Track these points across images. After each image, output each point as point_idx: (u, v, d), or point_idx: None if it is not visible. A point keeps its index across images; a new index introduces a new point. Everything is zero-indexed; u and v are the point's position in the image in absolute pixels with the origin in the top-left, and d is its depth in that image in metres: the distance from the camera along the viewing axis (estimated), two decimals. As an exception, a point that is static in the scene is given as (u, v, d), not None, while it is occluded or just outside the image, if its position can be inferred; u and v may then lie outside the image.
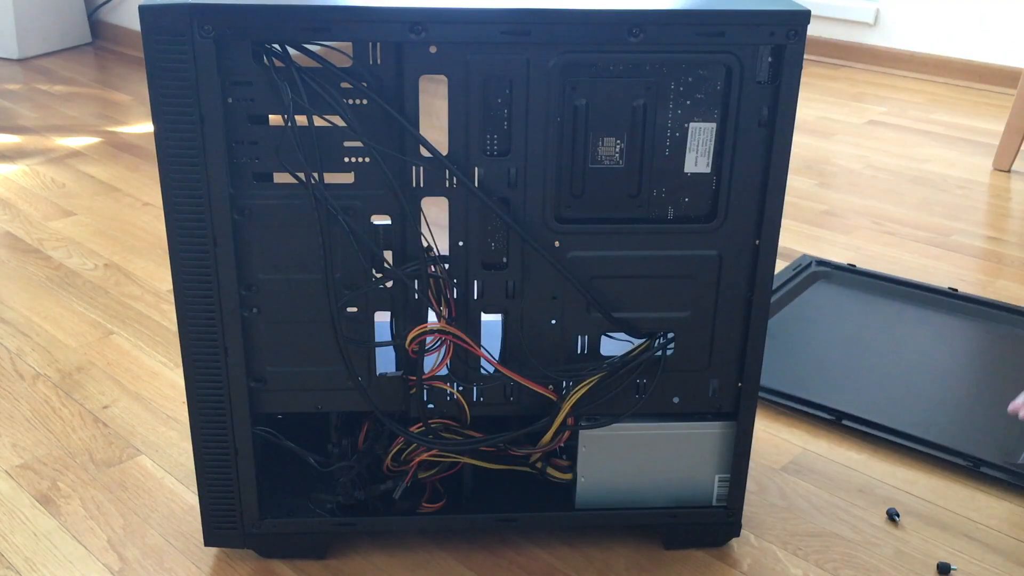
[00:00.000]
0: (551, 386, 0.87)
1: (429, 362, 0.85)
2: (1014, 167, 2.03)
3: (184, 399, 0.87)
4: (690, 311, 0.85)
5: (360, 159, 0.79)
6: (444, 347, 0.84)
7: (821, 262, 1.52)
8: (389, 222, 0.81)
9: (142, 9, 0.72)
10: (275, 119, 0.77)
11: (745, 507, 0.95)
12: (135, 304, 1.42)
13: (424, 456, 0.90)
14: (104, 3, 2.98)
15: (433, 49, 0.75)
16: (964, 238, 1.71)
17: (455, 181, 0.79)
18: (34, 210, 1.76)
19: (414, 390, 0.86)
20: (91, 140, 2.15)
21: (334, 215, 0.79)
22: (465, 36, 0.74)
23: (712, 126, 0.79)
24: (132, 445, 1.11)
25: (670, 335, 0.86)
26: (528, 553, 0.95)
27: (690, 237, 0.83)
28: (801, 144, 2.14)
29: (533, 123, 0.78)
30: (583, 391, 0.86)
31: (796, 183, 1.92)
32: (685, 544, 0.96)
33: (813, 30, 2.92)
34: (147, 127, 2.22)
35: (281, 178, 0.79)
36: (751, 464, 0.92)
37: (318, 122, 0.76)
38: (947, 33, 2.77)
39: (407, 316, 0.84)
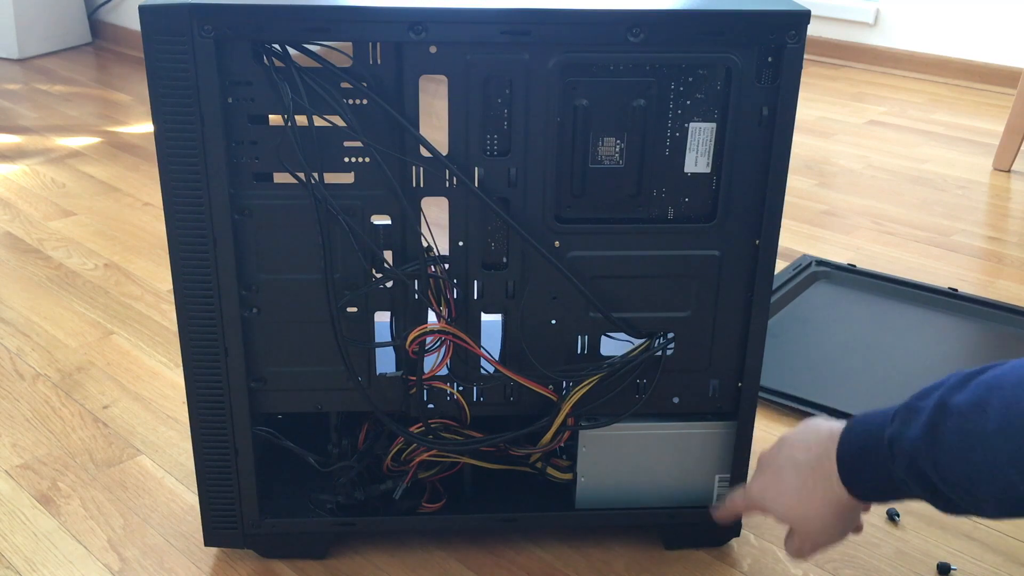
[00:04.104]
0: (551, 386, 0.87)
1: (429, 362, 0.85)
2: (1014, 167, 2.03)
3: (184, 399, 0.87)
4: (690, 311, 0.85)
5: (360, 159, 0.79)
6: (444, 347, 0.84)
7: (821, 262, 1.52)
8: (389, 222, 0.81)
9: (142, 9, 0.72)
10: (275, 119, 0.77)
11: (745, 507, 0.95)
12: (135, 304, 1.42)
13: (424, 456, 0.90)
14: (104, 3, 2.98)
15: (433, 49, 0.75)
16: (964, 238, 1.71)
17: (455, 181, 0.79)
18: (34, 210, 1.76)
19: (414, 390, 0.86)
20: (91, 140, 2.15)
21: (334, 215, 0.79)
22: (465, 36, 0.74)
23: (712, 126, 0.79)
24: (132, 445, 1.11)
25: (670, 335, 0.86)
26: (528, 553, 0.95)
27: (690, 237, 0.83)
28: (801, 144, 2.14)
29: (533, 123, 0.78)
30: (583, 391, 0.86)
31: (796, 183, 1.92)
32: (685, 544, 0.96)
33: (813, 30, 2.92)
34: (147, 127, 2.22)
35: (281, 178, 0.79)
36: (751, 464, 0.92)
37: (318, 122, 0.76)
38: (947, 33, 2.77)
39: (407, 316, 0.84)
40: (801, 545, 0.80)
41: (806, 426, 0.80)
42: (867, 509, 0.80)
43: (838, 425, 0.76)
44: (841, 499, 0.74)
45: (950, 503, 0.67)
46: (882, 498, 0.74)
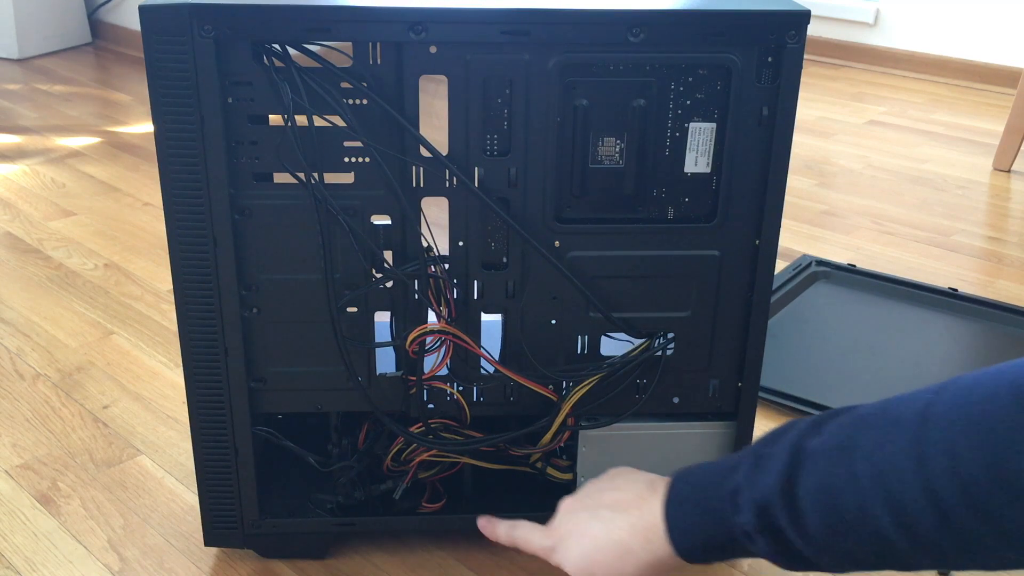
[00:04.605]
0: (551, 386, 0.87)
1: (429, 362, 0.85)
2: (1014, 167, 2.04)
3: (184, 399, 0.87)
4: (690, 311, 0.85)
5: (360, 159, 0.79)
6: (444, 347, 0.84)
7: (821, 262, 1.52)
8: (389, 222, 0.81)
9: (142, 9, 0.72)
10: (275, 119, 0.77)
11: (745, 507, 0.95)
12: (135, 304, 1.42)
13: (424, 456, 0.90)
14: (104, 3, 2.98)
15: (433, 49, 0.75)
16: (964, 238, 1.71)
17: (455, 181, 0.79)
18: (34, 210, 1.76)
19: (414, 390, 0.86)
20: (91, 140, 2.15)
21: (334, 215, 0.79)
22: (465, 36, 0.74)
23: (712, 126, 0.79)
24: (132, 445, 1.11)
25: (670, 335, 0.86)
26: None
27: (690, 237, 0.83)
28: (801, 144, 2.14)
29: (533, 123, 0.78)
30: (583, 391, 0.86)
31: (796, 183, 1.92)
32: (685, 544, 0.96)
33: (813, 30, 2.93)
34: (147, 127, 2.22)
35: (281, 178, 0.79)
36: (751, 464, 0.92)
37: (318, 122, 0.76)
38: (947, 33, 2.78)
39: (407, 316, 0.84)
40: None
41: (618, 475, 0.75)
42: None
43: (658, 478, 0.71)
44: (663, 559, 0.68)
45: (799, 558, 0.62)
46: (716, 556, 0.67)
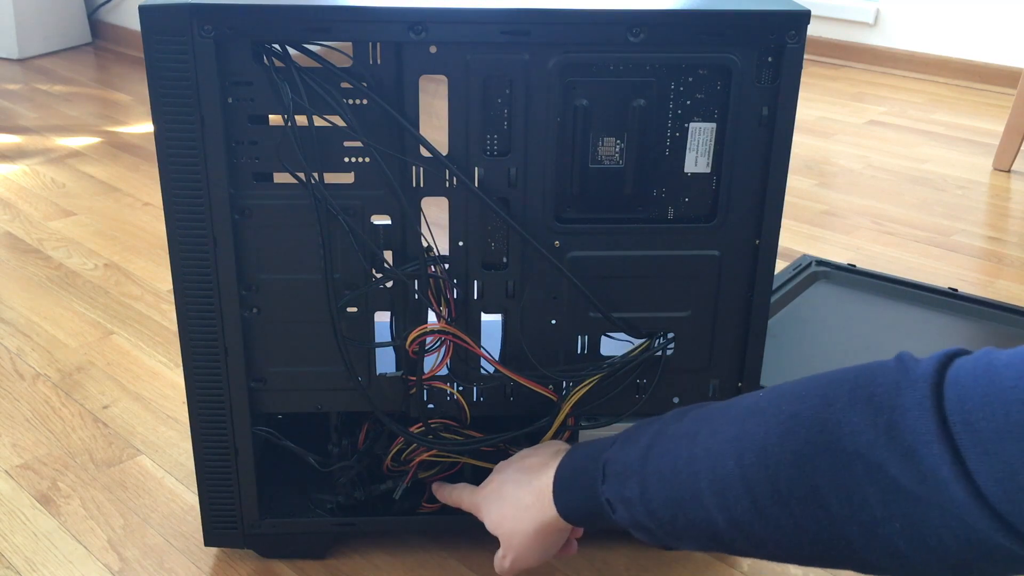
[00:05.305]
0: (551, 386, 0.87)
1: (429, 362, 0.85)
2: (1014, 167, 2.04)
3: (184, 399, 0.87)
4: (690, 311, 0.85)
5: (360, 159, 0.79)
6: (444, 347, 0.84)
7: (821, 262, 1.52)
8: (389, 222, 0.81)
9: (142, 9, 0.72)
10: (275, 119, 0.77)
11: (745, 507, 0.95)
12: (135, 304, 1.42)
13: (424, 456, 0.90)
14: (104, 3, 2.98)
15: (433, 49, 0.75)
16: (964, 238, 1.71)
17: (455, 181, 0.79)
18: (34, 210, 1.76)
19: (414, 390, 0.86)
20: (91, 140, 2.15)
21: (334, 215, 0.79)
22: (465, 36, 0.74)
23: (712, 126, 0.79)
24: (132, 445, 1.11)
25: (670, 335, 0.86)
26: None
27: (690, 237, 0.83)
28: (801, 144, 2.14)
29: (533, 123, 0.78)
30: (583, 391, 0.86)
31: (796, 183, 1.92)
32: (685, 544, 0.96)
33: (813, 30, 2.93)
34: (147, 127, 2.22)
35: (281, 178, 0.79)
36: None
37: (318, 122, 0.76)
38: (947, 33, 2.78)
39: (407, 316, 0.84)
40: (501, 561, 0.81)
41: (543, 444, 0.82)
42: (578, 534, 0.81)
43: (566, 446, 0.78)
44: (548, 518, 0.75)
45: (650, 533, 0.66)
46: (588, 522, 0.73)
